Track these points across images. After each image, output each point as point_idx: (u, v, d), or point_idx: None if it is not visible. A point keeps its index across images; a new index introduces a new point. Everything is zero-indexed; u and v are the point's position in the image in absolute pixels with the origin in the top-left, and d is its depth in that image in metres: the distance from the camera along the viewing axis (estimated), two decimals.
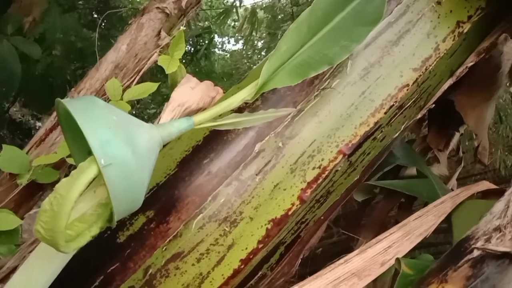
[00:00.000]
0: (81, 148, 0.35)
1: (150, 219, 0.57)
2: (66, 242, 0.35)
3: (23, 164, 0.69)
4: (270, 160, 0.59)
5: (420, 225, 0.71)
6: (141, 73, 0.77)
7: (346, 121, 0.61)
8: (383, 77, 0.63)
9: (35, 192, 0.73)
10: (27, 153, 0.72)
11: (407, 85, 0.63)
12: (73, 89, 0.75)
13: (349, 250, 0.86)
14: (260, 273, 0.60)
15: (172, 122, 0.44)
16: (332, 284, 0.64)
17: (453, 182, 0.91)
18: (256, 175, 0.58)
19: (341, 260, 0.66)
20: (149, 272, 0.55)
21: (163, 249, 0.56)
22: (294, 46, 0.50)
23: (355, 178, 0.65)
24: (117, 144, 0.35)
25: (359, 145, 0.61)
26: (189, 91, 0.73)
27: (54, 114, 0.77)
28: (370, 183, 0.70)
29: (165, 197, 0.58)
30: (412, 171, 0.86)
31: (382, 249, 0.67)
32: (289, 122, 0.60)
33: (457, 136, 0.95)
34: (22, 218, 0.70)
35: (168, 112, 0.67)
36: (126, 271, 0.55)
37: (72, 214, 0.38)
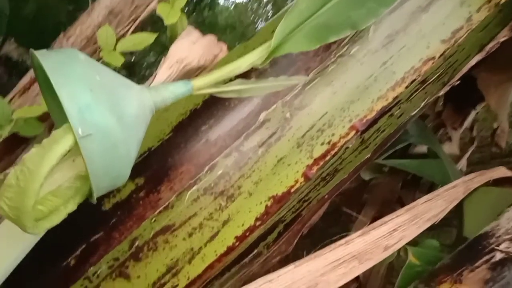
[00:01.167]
0: (61, 106, 0.29)
1: (140, 187, 0.52)
2: (36, 220, 0.30)
3: (4, 115, 0.63)
4: (275, 131, 0.53)
5: (428, 209, 0.67)
6: (137, 21, 0.69)
7: (362, 94, 0.55)
8: (407, 47, 0.56)
9: (17, 145, 0.67)
10: (9, 102, 0.66)
11: (433, 58, 0.57)
12: (62, 33, 0.68)
13: (349, 228, 0.83)
14: (256, 251, 0.56)
15: (167, 86, 0.38)
16: (332, 266, 0.60)
17: (463, 162, 0.87)
18: (259, 147, 0.53)
19: (342, 241, 0.63)
20: (136, 244, 0.51)
21: (152, 221, 0.51)
22: (315, 4, 0.43)
23: (366, 157, 0.60)
24: (99, 110, 0.29)
25: (375, 121, 0.56)
26: (190, 46, 0.66)
27: None
28: (379, 162, 0.65)
29: (157, 164, 0.53)
30: (422, 148, 0.81)
31: (386, 232, 0.63)
32: (300, 91, 0.54)
33: (472, 114, 0.89)
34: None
35: (165, 68, 0.61)
36: (111, 241, 0.51)
37: (46, 186, 0.32)
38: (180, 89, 0.38)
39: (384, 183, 0.81)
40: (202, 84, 0.40)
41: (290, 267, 0.60)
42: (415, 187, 0.82)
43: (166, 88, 0.38)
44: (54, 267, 0.50)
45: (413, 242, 0.64)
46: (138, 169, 0.53)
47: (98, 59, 0.66)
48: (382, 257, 0.62)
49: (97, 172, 0.30)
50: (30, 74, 0.67)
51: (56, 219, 0.33)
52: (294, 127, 0.54)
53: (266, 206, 0.53)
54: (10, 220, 0.30)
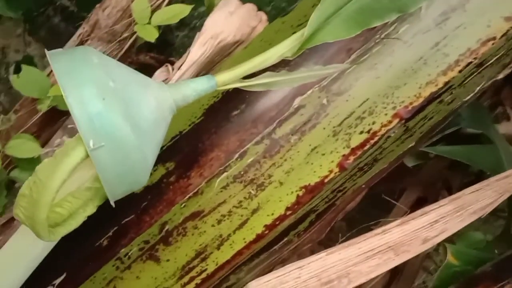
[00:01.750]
0: None
1: (170, 172, 0.52)
2: (54, 225, 0.30)
3: (43, 89, 0.64)
4: (310, 119, 0.50)
5: (475, 200, 0.62)
6: None
7: (409, 79, 0.50)
8: (464, 26, 0.49)
9: (58, 116, 0.69)
10: (48, 75, 0.67)
11: (494, 38, 0.50)
12: (98, 5, 0.66)
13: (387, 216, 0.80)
14: (286, 239, 0.55)
15: (188, 83, 0.36)
16: (365, 256, 0.58)
17: None
18: (292, 135, 0.50)
19: (379, 230, 0.60)
20: (166, 229, 0.51)
21: (182, 206, 0.51)
22: None
23: (410, 145, 0.55)
24: (111, 119, 0.28)
25: (421, 108, 0.51)
26: (226, 18, 0.62)
27: (80, 31, 0.69)
28: (423, 149, 0.60)
29: (187, 149, 0.52)
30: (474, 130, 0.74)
31: (427, 223, 0.60)
32: (339, 75, 0.50)
33: None
34: (43, 145, 0.67)
35: (199, 45, 0.58)
36: (141, 224, 0.51)
37: (66, 186, 0.32)
38: (203, 85, 0.36)
39: (428, 167, 0.76)
40: (227, 80, 0.37)
41: (322, 254, 0.58)
42: (464, 169, 0.76)
43: (187, 85, 0.36)
44: (88, 246, 0.51)
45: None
46: (169, 153, 0.52)
47: (132, 34, 0.65)
48: (420, 250, 0.59)
49: (111, 181, 0.30)
50: (77, 34, 0.67)
51: (74, 224, 0.33)
52: (331, 114, 0.50)
53: (298, 196, 0.51)
54: (27, 226, 0.30)
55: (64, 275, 0.51)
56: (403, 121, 0.51)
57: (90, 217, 0.44)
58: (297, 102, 0.50)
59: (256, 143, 0.50)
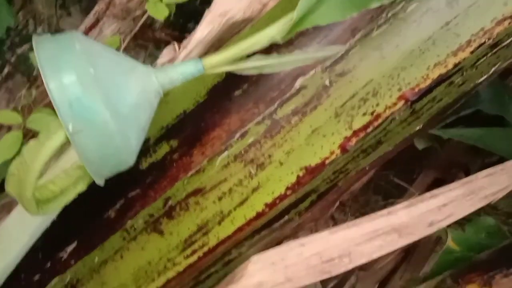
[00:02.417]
0: None
1: (174, 150, 0.53)
2: (47, 201, 0.33)
3: None
4: (311, 99, 0.50)
5: (488, 185, 0.60)
6: None
7: (417, 60, 0.48)
8: (478, 5, 0.47)
9: None
10: None
11: (510, 17, 0.47)
12: None
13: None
14: (287, 217, 0.55)
15: (175, 67, 0.36)
16: (368, 236, 0.58)
17: None
18: (293, 115, 0.50)
19: (384, 211, 0.60)
20: (169, 204, 0.53)
21: (185, 182, 0.52)
22: None
23: (417, 128, 0.54)
24: (90, 106, 0.29)
25: (429, 90, 0.49)
26: None
27: (96, 9, 0.71)
28: (433, 132, 0.58)
29: (191, 128, 0.53)
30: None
31: (435, 206, 0.59)
32: (342, 55, 0.49)
33: None
34: None
35: (206, 23, 0.58)
36: (146, 198, 0.54)
37: (60, 164, 0.34)
38: (190, 69, 0.36)
39: (447, 149, 0.73)
40: (215, 63, 0.37)
41: (325, 233, 0.59)
42: (486, 152, 0.73)
43: (174, 69, 0.36)
44: (97, 218, 0.54)
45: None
46: (173, 132, 0.54)
47: (145, 11, 0.65)
48: (425, 233, 0.58)
49: (93, 163, 0.31)
50: (85, 24, 0.69)
51: (65, 200, 0.35)
52: (333, 95, 0.49)
53: (298, 176, 0.51)
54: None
55: (76, 243, 0.55)
56: (409, 103, 0.49)
57: (98, 190, 0.46)
58: (299, 83, 0.50)
59: (257, 123, 0.51)
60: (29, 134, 0.69)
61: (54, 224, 0.54)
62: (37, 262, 0.55)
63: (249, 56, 0.40)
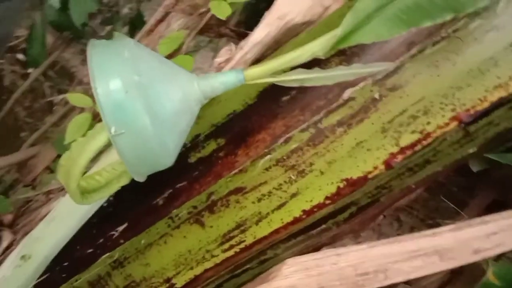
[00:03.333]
0: None
1: (220, 147, 0.55)
2: (92, 191, 0.36)
3: None
4: (358, 112, 0.49)
5: None
6: None
7: (475, 80, 0.46)
8: None
9: None
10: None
11: None
12: None
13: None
14: (324, 226, 0.55)
15: (217, 76, 0.38)
16: (408, 255, 0.57)
17: None
18: (338, 126, 0.50)
19: (429, 231, 0.58)
20: (212, 198, 0.55)
21: (228, 180, 0.54)
22: None
23: (470, 151, 0.51)
24: (132, 111, 0.32)
25: (486, 113, 0.46)
26: None
27: (165, 3, 0.74)
28: (489, 156, 0.54)
29: (238, 128, 0.55)
30: None
31: (483, 233, 0.56)
32: (395, 68, 0.48)
33: None
34: None
35: (264, 26, 0.59)
36: (192, 191, 0.56)
37: (109, 157, 0.37)
38: (231, 79, 0.38)
39: (500, 177, 0.67)
40: (255, 74, 0.38)
41: (363, 246, 0.58)
42: None
43: (216, 79, 0.38)
44: (146, 203, 0.58)
45: None
46: (221, 130, 0.56)
47: (207, 10, 0.67)
48: (468, 260, 0.55)
49: (132, 162, 0.34)
50: (155, 17, 0.73)
51: (107, 192, 0.38)
52: (382, 110, 0.48)
53: (338, 187, 0.51)
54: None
55: (126, 224, 0.59)
56: (462, 125, 0.47)
57: (150, 178, 0.49)
58: (347, 94, 0.49)
59: (302, 131, 0.51)
60: (98, 116, 0.76)
61: (109, 204, 0.59)
62: (91, 236, 0.60)
63: (292, 68, 0.40)
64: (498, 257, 0.56)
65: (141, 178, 0.38)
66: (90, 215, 0.48)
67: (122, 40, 0.35)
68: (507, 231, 0.54)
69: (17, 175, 0.92)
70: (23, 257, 0.46)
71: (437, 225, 0.59)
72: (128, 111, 0.32)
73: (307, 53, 0.38)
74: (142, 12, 1.42)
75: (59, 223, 0.46)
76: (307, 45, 0.38)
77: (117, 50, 0.34)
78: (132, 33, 1.41)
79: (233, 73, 0.39)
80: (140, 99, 0.33)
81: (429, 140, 0.48)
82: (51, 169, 0.84)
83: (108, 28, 1.75)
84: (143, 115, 0.33)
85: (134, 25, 1.41)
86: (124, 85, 0.32)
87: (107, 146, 0.35)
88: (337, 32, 0.37)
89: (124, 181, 0.39)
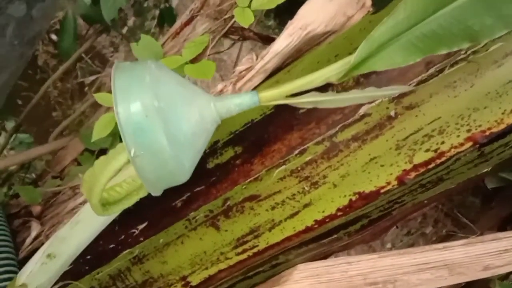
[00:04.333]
0: None
1: (237, 155, 0.57)
2: (113, 202, 0.38)
3: (157, 55, 0.73)
4: (374, 128, 0.50)
5: None
6: None
7: (492, 102, 0.46)
8: None
9: None
10: (163, 44, 0.75)
11: None
12: None
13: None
14: (335, 236, 0.57)
15: (233, 98, 0.39)
16: (417, 267, 0.58)
17: None
18: (353, 141, 0.50)
19: (440, 245, 0.58)
20: (227, 203, 0.57)
21: (243, 187, 0.56)
22: (421, 12, 0.36)
23: (484, 170, 0.51)
24: (151, 134, 0.33)
25: (501, 135, 0.46)
26: (322, 6, 0.62)
27: (192, 7, 0.76)
28: (504, 176, 0.54)
29: (255, 137, 0.56)
30: None
31: (494, 250, 0.56)
32: (412, 87, 0.48)
33: None
34: None
35: (286, 36, 0.60)
36: (209, 195, 0.59)
37: (129, 170, 0.40)
38: (246, 102, 0.39)
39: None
40: (270, 98, 0.39)
41: (374, 255, 0.59)
42: None
43: (232, 100, 0.39)
44: (166, 204, 0.61)
45: None
46: (239, 138, 0.57)
47: (231, 16, 0.68)
48: (478, 276, 0.56)
49: (150, 181, 0.36)
50: (181, 20, 0.74)
51: (127, 203, 0.40)
52: (397, 127, 0.49)
53: (350, 200, 0.52)
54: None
55: (146, 223, 0.62)
56: (477, 146, 0.47)
57: None
58: (363, 109, 0.50)
59: (317, 143, 0.52)
60: None
61: None
62: (113, 233, 0.63)
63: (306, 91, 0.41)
64: (506, 275, 0.56)
65: (157, 193, 0.40)
66: (111, 220, 0.51)
67: (144, 63, 0.37)
68: None
69: (46, 165, 0.97)
70: (49, 255, 0.49)
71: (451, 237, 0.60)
72: (148, 134, 0.34)
73: (321, 77, 0.39)
74: (171, 6, 1.45)
75: (84, 226, 0.49)
76: (321, 70, 0.39)
77: (140, 74, 0.36)
78: (161, 26, 1.44)
79: (248, 95, 0.40)
80: (159, 123, 0.35)
81: (443, 159, 0.48)
82: (78, 162, 0.88)
83: (137, 20, 1.78)
84: (162, 138, 0.35)
85: (163, 18, 1.44)
86: (145, 109, 0.34)
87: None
88: (351, 58, 0.37)
89: (143, 193, 0.42)
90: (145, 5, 1.70)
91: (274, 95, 0.40)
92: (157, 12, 1.59)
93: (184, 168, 0.38)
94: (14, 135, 1.23)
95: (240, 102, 0.40)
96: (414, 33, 0.37)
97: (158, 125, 0.34)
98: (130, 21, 1.74)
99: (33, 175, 1.11)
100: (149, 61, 0.37)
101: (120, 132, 0.33)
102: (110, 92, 0.72)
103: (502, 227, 0.69)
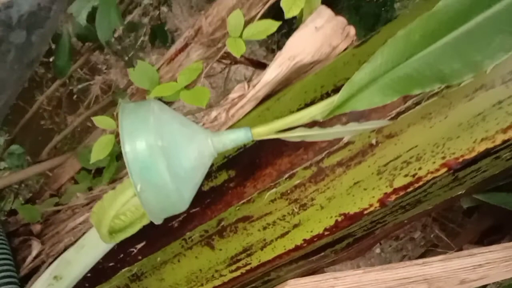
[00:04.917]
0: None
1: (231, 178, 0.61)
2: (118, 230, 0.42)
3: (153, 81, 0.76)
4: (357, 155, 0.54)
5: None
6: (267, 5, 0.71)
7: (464, 132, 0.50)
8: None
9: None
10: (158, 69, 0.79)
11: None
12: (202, 12, 0.75)
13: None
14: (323, 253, 0.61)
15: (228, 134, 0.43)
16: (399, 282, 0.62)
17: None
18: (338, 166, 0.55)
19: (419, 261, 0.62)
20: (222, 224, 0.61)
21: (236, 208, 0.60)
22: (397, 58, 0.40)
23: (459, 192, 0.55)
24: (155, 171, 0.37)
25: (473, 161, 0.51)
26: (309, 36, 0.66)
27: (185, 34, 0.80)
28: (478, 197, 0.59)
29: (247, 162, 0.60)
30: None
31: (470, 265, 0.60)
32: (392, 117, 0.52)
33: None
34: None
35: (275, 66, 0.64)
36: (204, 216, 0.62)
37: (133, 200, 0.43)
38: (240, 137, 0.43)
39: (486, 213, 0.71)
40: (262, 133, 0.43)
41: (359, 271, 0.63)
42: None
43: (227, 137, 0.43)
44: (163, 225, 0.63)
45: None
46: (232, 162, 0.61)
47: (223, 45, 0.72)
48: None
49: (154, 211, 0.39)
50: (176, 46, 0.78)
51: (131, 231, 0.44)
52: (378, 154, 0.53)
53: (336, 220, 0.56)
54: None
55: (144, 242, 0.65)
56: (451, 171, 0.51)
57: None
58: (347, 138, 0.54)
59: (305, 168, 0.56)
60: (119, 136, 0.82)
61: None
62: (113, 252, 0.66)
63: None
64: None
65: (159, 222, 0.44)
66: (113, 244, 0.54)
67: (148, 105, 0.40)
68: (492, 264, 0.59)
69: (44, 182, 0.99)
70: (55, 277, 0.52)
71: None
72: (152, 172, 0.38)
73: (307, 116, 0.43)
74: (163, 23, 1.48)
75: (89, 250, 0.52)
76: (308, 109, 0.43)
77: (144, 115, 0.39)
78: (152, 43, 1.47)
79: (242, 131, 0.44)
80: (162, 161, 0.38)
81: (421, 183, 0.52)
82: (75, 180, 0.90)
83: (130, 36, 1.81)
84: (165, 175, 0.38)
85: (155, 35, 1.47)
86: (149, 149, 0.38)
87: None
88: (334, 99, 0.41)
89: (146, 221, 0.45)
90: (137, 21, 1.74)
91: (265, 131, 0.44)
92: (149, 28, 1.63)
93: (184, 200, 0.42)
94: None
95: (235, 138, 0.43)
96: (391, 76, 0.41)
97: (161, 163, 0.38)
98: (123, 37, 1.78)
99: (30, 194, 1.13)
100: (152, 102, 0.41)
101: (127, 169, 0.37)
102: (101, 107, 0.75)
103: (480, 241, 0.73)
